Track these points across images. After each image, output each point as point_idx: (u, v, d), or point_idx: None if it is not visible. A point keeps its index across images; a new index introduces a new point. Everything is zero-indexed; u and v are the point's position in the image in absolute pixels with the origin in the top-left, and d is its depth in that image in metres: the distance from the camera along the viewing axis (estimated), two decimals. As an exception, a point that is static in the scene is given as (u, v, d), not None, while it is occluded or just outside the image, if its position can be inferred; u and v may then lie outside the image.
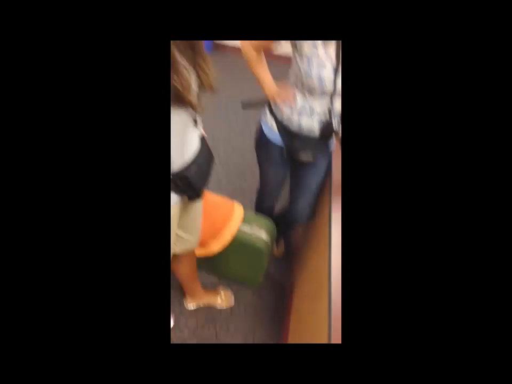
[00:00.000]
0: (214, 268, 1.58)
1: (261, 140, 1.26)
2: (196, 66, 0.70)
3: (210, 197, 1.42)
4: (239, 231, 1.39)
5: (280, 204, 1.67)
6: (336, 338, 0.70)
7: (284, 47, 1.09)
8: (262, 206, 1.55)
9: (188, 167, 0.81)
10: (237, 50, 3.65)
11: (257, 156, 1.35)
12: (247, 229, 1.41)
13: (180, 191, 0.84)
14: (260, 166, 1.38)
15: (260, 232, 1.41)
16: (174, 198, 0.85)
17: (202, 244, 1.40)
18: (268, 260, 1.50)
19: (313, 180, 1.31)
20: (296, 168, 1.32)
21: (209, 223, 1.36)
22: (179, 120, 0.73)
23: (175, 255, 1.20)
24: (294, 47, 1.02)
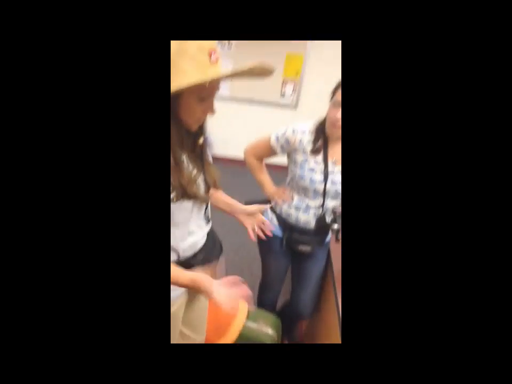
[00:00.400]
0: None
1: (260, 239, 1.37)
2: (202, 169, 0.83)
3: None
4: (244, 327, 1.36)
5: (282, 300, 1.67)
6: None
7: (280, 157, 1.31)
8: (264, 299, 1.55)
9: (194, 255, 0.87)
10: (233, 161, 4.09)
11: (259, 248, 1.44)
12: (253, 325, 1.38)
13: None
14: (261, 257, 1.45)
15: (266, 328, 1.38)
16: (177, 288, 0.89)
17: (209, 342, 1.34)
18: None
19: (313, 272, 1.37)
20: (296, 260, 1.39)
21: (213, 321, 1.34)
22: (184, 210, 0.80)
23: None
24: (289, 157, 1.23)
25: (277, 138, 1.20)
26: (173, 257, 0.85)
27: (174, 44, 0.61)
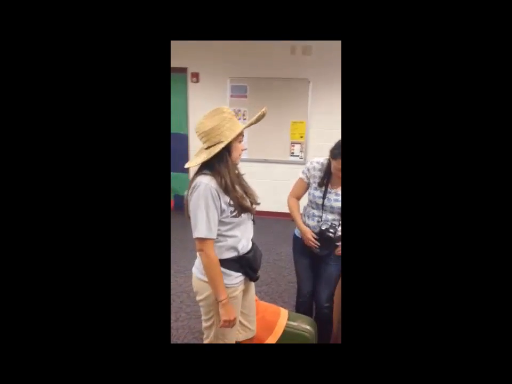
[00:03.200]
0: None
1: (293, 239, 1.87)
2: (245, 191, 1.32)
3: (259, 302, 1.80)
4: (287, 325, 1.70)
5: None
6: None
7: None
8: (300, 301, 1.90)
9: (248, 252, 1.32)
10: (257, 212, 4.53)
11: (292, 250, 1.89)
12: (293, 323, 1.72)
13: (243, 271, 1.32)
14: (294, 258, 1.89)
15: (304, 325, 1.71)
16: (240, 277, 1.31)
17: (258, 340, 1.67)
18: (315, 350, 1.72)
19: (326, 272, 1.76)
20: (316, 264, 1.81)
21: (262, 322, 1.69)
22: (245, 219, 1.29)
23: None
24: (309, 184, 1.73)
25: (303, 172, 1.77)
26: (234, 253, 1.29)
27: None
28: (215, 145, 1.18)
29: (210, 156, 1.16)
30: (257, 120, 1.27)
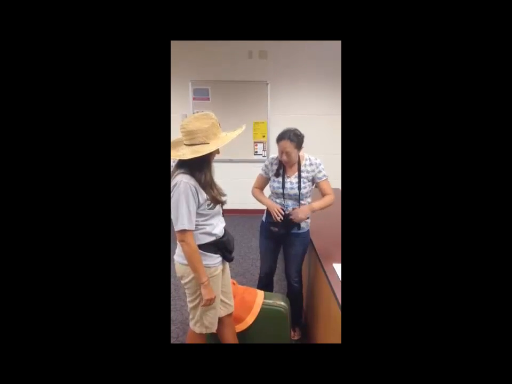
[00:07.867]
0: (248, 338, 1.91)
1: (261, 223, 2.08)
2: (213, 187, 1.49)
3: (237, 286, 1.97)
4: (264, 303, 1.88)
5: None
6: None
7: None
8: (260, 277, 2.12)
9: (223, 236, 1.50)
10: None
11: (259, 235, 2.09)
12: (269, 301, 1.90)
13: (220, 252, 1.49)
14: (259, 241, 2.10)
15: (279, 302, 1.91)
16: (218, 258, 1.48)
17: (239, 319, 1.83)
18: (290, 322, 1.92)
19: (294, 250, 2.00)
20: (284, 247, 2.04)
21: (241, 302, 1.85)
22: (216, 211, 1.46)
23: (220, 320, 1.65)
24: (266, 179, 1.97)
25: (262, 168, 2.01)
26: (212, 238, 1.46)
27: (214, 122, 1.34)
28: (199, 144, 1.32)
29: (198, 155, 1.29)
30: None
